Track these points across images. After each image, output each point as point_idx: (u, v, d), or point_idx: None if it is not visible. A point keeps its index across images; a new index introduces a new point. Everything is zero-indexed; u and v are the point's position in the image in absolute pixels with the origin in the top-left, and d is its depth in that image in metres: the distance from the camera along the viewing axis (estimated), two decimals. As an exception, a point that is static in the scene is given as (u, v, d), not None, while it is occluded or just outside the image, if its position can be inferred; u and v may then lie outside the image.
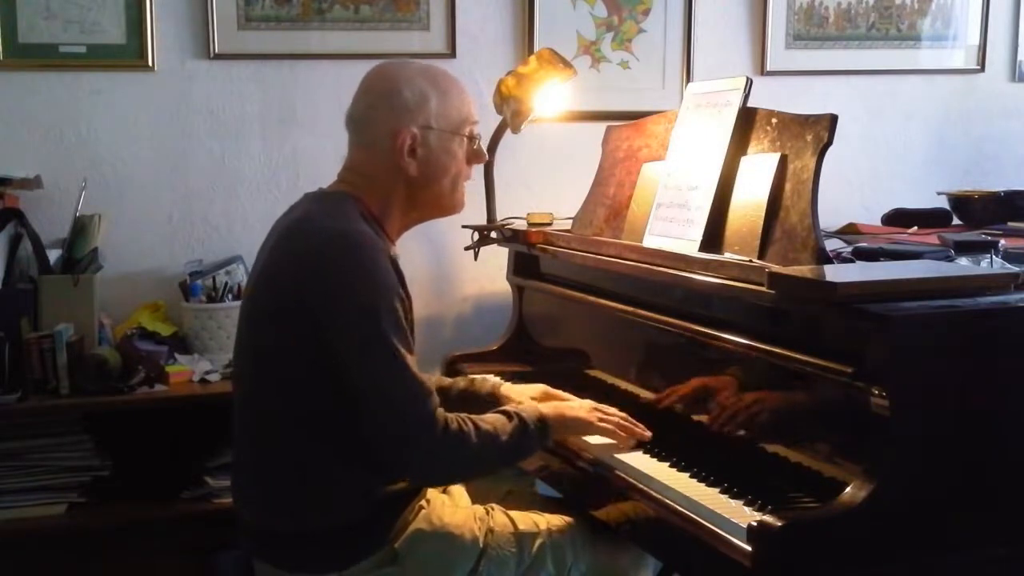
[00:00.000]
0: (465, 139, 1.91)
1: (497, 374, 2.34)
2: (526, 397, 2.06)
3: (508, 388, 2.13)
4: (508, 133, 2.64)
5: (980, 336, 1.52)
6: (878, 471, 1.45)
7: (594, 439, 1.95)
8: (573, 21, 3.03)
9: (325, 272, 1.70)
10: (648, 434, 1.91)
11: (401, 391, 1.70)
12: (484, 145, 2.02)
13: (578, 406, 1.98)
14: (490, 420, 1.81)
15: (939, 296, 1.54)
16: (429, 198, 1.90)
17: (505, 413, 1.85)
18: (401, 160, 1.84)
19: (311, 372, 1.72)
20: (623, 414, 1.95)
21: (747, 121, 1.97)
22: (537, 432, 1.85)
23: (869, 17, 3.27)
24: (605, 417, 1.93)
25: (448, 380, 2.22)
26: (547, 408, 1.93)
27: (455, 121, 1.88)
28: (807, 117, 1.85)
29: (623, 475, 1.82)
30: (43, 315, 2.46)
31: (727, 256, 1.86)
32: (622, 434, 1.91)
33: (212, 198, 2.83)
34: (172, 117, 2.79)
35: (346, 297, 1.70)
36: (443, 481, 1.91)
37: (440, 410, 1.74)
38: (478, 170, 1.98)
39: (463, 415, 1.78)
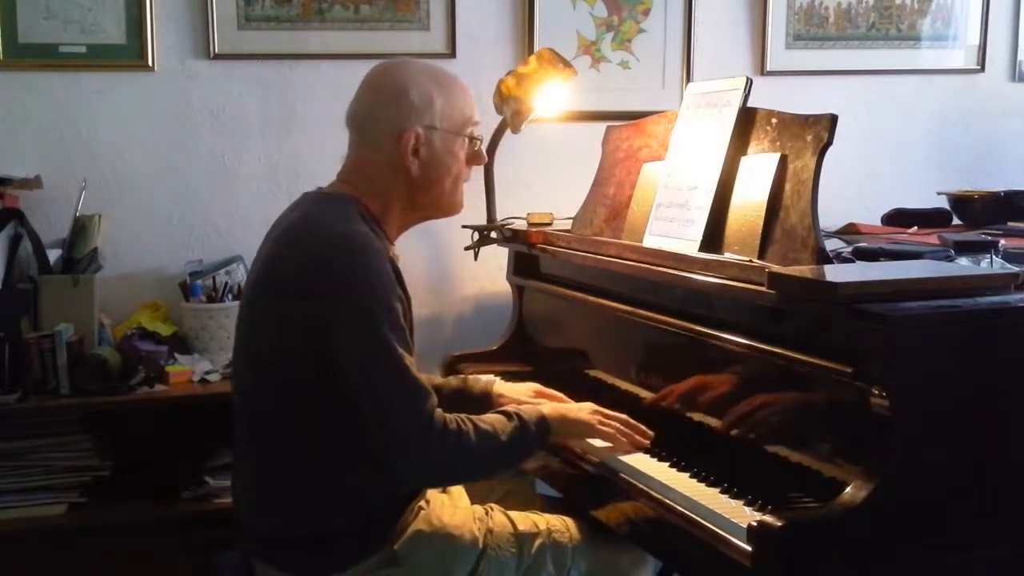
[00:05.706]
0: (467, 140, 1.91)
1: (497, 374, 2.34)
2: (519, 395, 2.07)
3: (501, 386, 2.13)
4: (508, 133, 2.64)
5: (980, 336, 1.52)
6: (878, 471, 1.45)
7: (594, 439, 1.95)
8: (573, 21, 3.03)
9: (324, 273, 1.70)
10: (649, 436, 1.91)
11: (398, 390, 1.69)
12: (483, 146, 2.02)
13: (579, 408, 1.96)
14: (489, 420, 1.81)
15: (939, 296, 1.53)
16: (429, 199, 1.90)
17: (505, 413, 1.84)
18: (404, 160, 1.84)
19: (311, 373, 1.72)
20: (624, 417, 1.94)
21: (747, 121, 1.96)
22: (537, 433, 1.85)
23: (869, 17, 3.27)
24: (606, 420, 1.92)
25: (440, 379, 2.21)
26: (548, 409, 1.92)
27: (458, 122, 1.88)
28: (807, 117, 1.84)
29: (623, 475, 1.82)
30: (43, 315, 2.47)
31: (727, 256, 1.86)
32: (622, 439, 1.90)
33: (212, 198, 2.83)
34: (172, 117, 2.79)
35: (345, 298, 1.69)
36: (441, 482, 1.90)
37: (439, 410, 1.73)
38: (477, 170, 1.98)
39: (462, 415, 1.77)
